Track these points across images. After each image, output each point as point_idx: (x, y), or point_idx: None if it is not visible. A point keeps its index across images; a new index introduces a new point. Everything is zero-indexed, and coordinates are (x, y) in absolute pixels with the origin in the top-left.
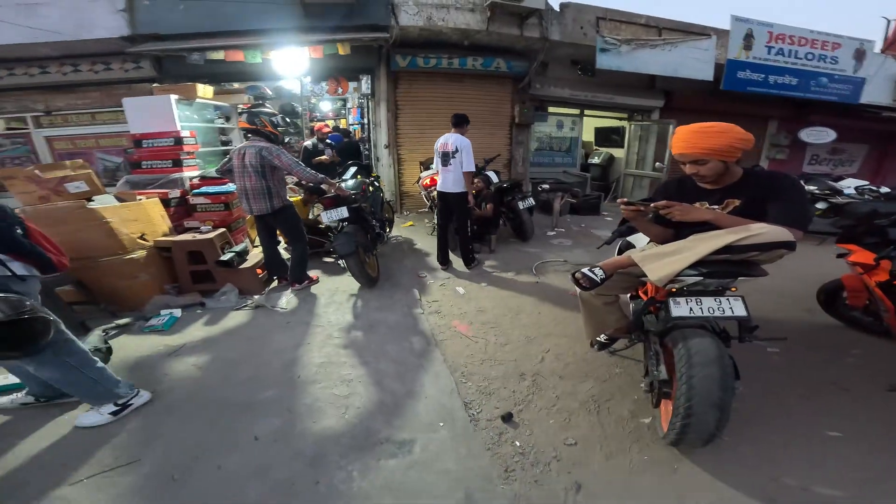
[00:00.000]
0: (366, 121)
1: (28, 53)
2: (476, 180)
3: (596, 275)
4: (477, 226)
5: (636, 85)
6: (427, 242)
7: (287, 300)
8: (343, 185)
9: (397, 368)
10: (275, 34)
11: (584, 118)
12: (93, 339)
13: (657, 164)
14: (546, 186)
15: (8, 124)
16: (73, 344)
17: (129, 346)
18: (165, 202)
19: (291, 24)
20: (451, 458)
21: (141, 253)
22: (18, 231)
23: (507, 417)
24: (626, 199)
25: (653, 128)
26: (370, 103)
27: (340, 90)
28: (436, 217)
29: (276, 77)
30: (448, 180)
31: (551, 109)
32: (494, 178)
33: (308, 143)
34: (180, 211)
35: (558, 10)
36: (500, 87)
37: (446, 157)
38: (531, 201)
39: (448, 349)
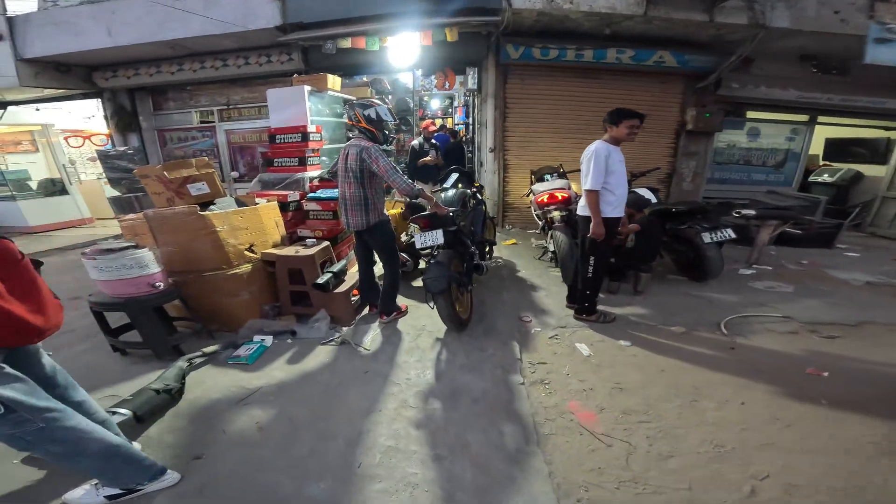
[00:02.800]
0: (470, 120)
1: (214, 46)
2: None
3: None
4: (616, 258)
5: None
6: (534, 269)
7: (372, 337)
8: (442, 195)
9: (477, 477)
10: (390, 19)
11: (816, 126)
12: (169, 375)
13: None
14: (750, 212)
15: (202, 117)
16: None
17: (206, 383)
18: (284, 206)
19: (405, 9)
20: None
21: (246, 268)
22: None
23: None
24: None
25: None
26: (476, 100)
27: (448, 84)
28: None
29: (392, 69)
30: (581, 200)
31: (751, 114)
32: (650, 198)
33: (415, 142)
34: (297, 217)
35: None
36: (662, 86)
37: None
38: (728, 233)
39: (557, 452)
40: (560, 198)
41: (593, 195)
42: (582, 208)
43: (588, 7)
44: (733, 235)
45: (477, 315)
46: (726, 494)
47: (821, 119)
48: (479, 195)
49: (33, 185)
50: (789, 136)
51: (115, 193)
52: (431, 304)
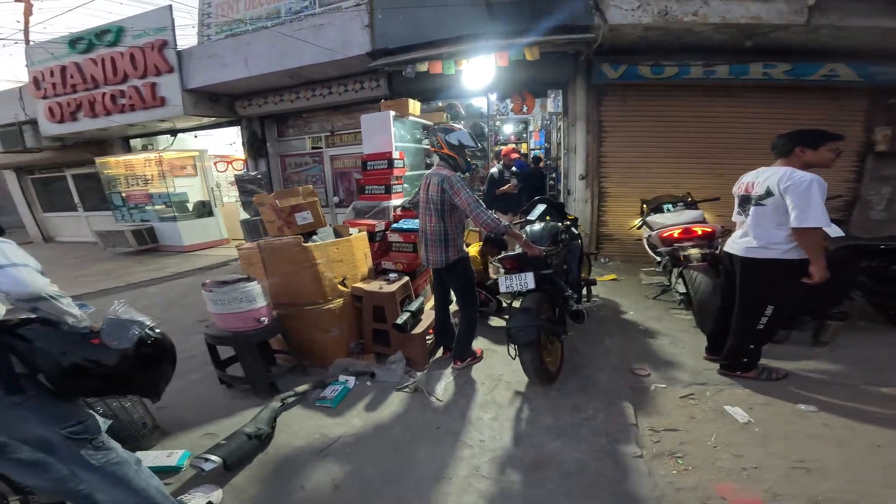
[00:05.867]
0: (549, 145)
1: (321, 74)
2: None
3: None
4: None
5: None
6: (648, 311)
7: (445, 386)
8: (528, 229)
9: None
10: (465, 41)
11: None
12: (262, 416)
13: None
14: None
15: (313, 144)
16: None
17: (293, 427)
18: (371, 236)
19: (480, 30)
20: None
21: (338, 302)
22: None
23: None
24: None
25: None
26: (562, 124)
27: (525, 108)
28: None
29: (467, 93)
30: (737, 236)
31: None
32: (836, 232)
33: (494, 169)
34: (382, 247)
35: None
36: (834, 103)
37: (744, 205)
38: None
39: None
40: (700, 233)
41: (818, 234)
42: (753, 249)
43: (720, 18)
44: None
45: (569, 365)
46: None
47: None
48: (574, 229)
49: (190, 206)
50: None
51: (246, 216)
52: (514, 354)
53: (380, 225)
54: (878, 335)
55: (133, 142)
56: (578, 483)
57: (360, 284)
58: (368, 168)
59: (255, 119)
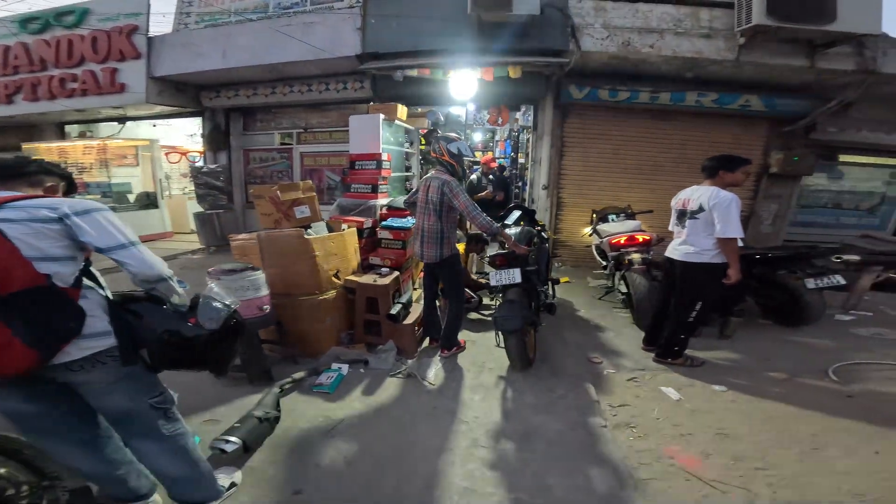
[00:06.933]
0: (515, 155)
1: (302, 72)
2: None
3: None
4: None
5: None
6: (596, 309)
7: (435, 372)
8: (508, 232)
9: None
10: (454, 54)
11: None
12: (267, 401)
13: None
14: (854, 257)
15: (282, 139)
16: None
17: (296, 412)
18: (359, 233)
19: (468, 45)
20: None
21: (332, 294)
22: None
23: None
24: None
25: None
26: (531, 137)
27: (501, 120)
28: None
29: (450, 101)
30: (676, 243)
31: (844, 158)
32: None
33: (473, 176)
34: (368, 244)
35: None
36: (743, 129)
37: (682, 217)
38: (838, 279)
39: (662, 497)
40: (641, 240)
41: (735, 243)
42: (690, 254)
43: (671, 52)
44: (843, 282)
45: (539, 354)
46: None
47: None
48: (543, 234)
49: (132, 197)
50: (889, 180)
51: (199, 209)
52: (500, 341)
53: (367, 222)
54: (766, 330)
55: (69, 128)
56: (562, 448)
57: (352, 277)
58: (356, 168)
59: (220, 111)
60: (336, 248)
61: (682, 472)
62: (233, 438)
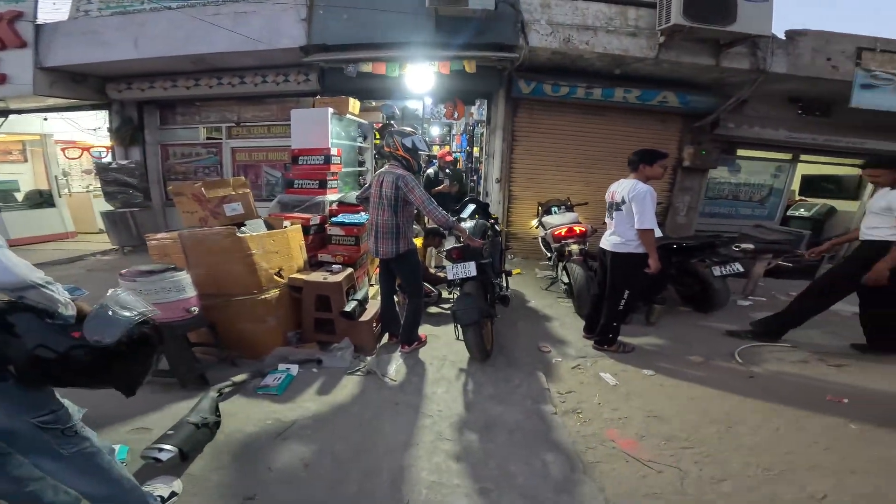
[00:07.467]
0: (470, 149)
1: (234, 63)
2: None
3: None
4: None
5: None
6: (543, 300)
7: (396, 367)
8: (462, 226)
9: None
10: (411, 48)
11: (799, 164)
12: (204, 406)
13: None
14: (749, 246)
15: (208, 134)
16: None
17: (240, 416)
18: (305, 229)
19: (426, 39)
20: None
21: (274, 293)
22: None
23: None
24: None
25: None
26: (485, 131)
27: (457, 114)
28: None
29: (407, 95)
30: (608, 234)
31: (742, 152)
32: (659, 233)
33: (430, 170)
34: (316, 240)
35: (784, 38)
36: (662, 125)
37: (610, 209)
38: (738, 267)
39: (608, 479)
40: (578, 231)
41: (651, 234)
42: (618, 245)
43: (602, 48)
44: (741, 269)
45: (496, 345)
46: None
47: (803, 157)
48: (496, 227)
49: (20, 196)
50: (774, 172)
51: (109, 208)
52: (459, 334)
53: (314, 219)
54: (684, 316)
55: None
56: (520, 437)
57: (299, 275)
58: (300, 163)
59: (131, 104)
60: (277, 246)
61: (622, 455)
62: (167, 446)
